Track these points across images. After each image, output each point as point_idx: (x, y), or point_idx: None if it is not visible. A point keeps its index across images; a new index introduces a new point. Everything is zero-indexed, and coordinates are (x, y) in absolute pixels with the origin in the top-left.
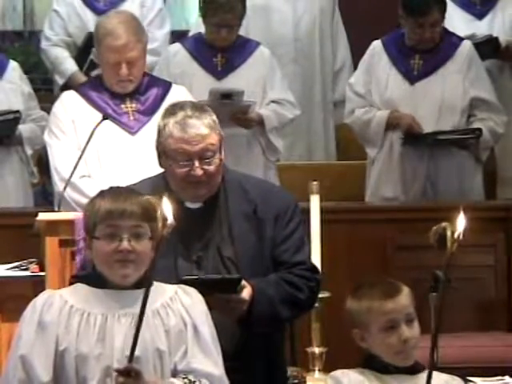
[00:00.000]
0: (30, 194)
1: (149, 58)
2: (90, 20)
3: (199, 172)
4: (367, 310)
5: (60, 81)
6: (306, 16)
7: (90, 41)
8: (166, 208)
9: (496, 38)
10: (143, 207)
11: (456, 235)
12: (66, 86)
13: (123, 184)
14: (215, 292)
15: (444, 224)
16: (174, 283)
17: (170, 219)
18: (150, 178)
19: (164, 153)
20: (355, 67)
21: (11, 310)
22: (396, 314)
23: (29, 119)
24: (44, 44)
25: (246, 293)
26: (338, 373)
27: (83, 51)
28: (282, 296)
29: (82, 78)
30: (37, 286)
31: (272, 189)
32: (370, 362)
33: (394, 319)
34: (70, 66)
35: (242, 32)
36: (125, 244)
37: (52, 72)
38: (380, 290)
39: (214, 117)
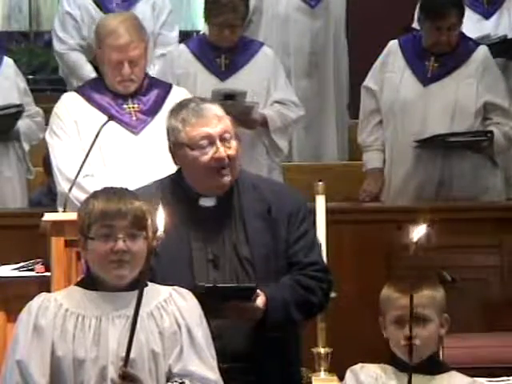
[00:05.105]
0: (25, 190)
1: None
2: None
3: (223, 154)
4: (386, 300)
5: (77, 85)
6: (324, 29)
7: None
8: (159, 218)
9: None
10: (134, 215)
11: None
12: None
13: (129, 185)
14: (230, 300)
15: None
16: (188, 288)
17: (161, 231)
18: (156, 181)
19: (182, 147)
20: (358, 70)
21: (17, 311)
22: (406, 311)
23: (25, 115)
24: (59, 47)
25: (261, 301)
26: (357, 366)
27: None
28: (296, 300)
29: None
30: (42, 286)
31: (285, 189)
32: (392, 359)
33: (403, 315)
34: (88, 71)
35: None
36: (120, 244)
37: (68, 76)
38: (405, 284)
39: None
